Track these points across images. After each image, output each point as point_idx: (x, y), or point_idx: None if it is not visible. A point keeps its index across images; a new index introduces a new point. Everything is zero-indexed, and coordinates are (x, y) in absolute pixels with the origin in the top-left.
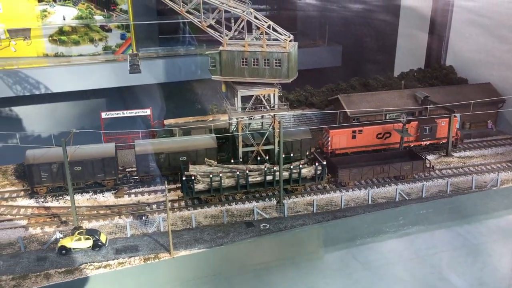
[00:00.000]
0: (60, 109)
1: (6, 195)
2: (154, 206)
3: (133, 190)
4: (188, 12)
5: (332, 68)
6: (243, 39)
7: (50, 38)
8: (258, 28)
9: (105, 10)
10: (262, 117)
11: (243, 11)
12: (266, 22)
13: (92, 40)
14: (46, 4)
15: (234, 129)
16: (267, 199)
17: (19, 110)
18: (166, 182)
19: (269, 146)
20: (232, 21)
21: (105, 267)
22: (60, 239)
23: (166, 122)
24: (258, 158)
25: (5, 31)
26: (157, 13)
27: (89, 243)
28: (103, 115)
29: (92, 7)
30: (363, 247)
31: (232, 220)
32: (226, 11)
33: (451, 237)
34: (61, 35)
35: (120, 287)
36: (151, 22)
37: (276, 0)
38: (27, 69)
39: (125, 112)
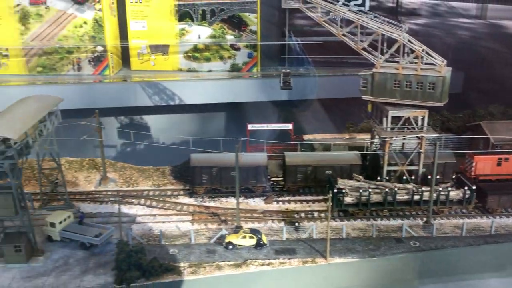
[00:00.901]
0: (183, 119)
1: (169, 192)
2: (303, 214)
3: (280, 198)
4: (343, 35)
5: (451, 94)
6: (395, 61)
7: (185, 55)
8: (412, 51)
9: (236, 30)
10: (404, 138)
11: (400, 35)
12: (421, 46)
13: (221, 58)
14: (185, 24)
15: (375, 148)
16: (411, 217)
17: (147, 119)
18: (330, 192)
19: (413, 166)
20: (385, 44)
21: (268, 265)
22: (226, 236)
23: (305, 137)
24: (404, 177)
25: (147, 47)
26: (281, 34)
27: (253, 241)
28: (249, 127)
29: (225, 27)
30: (462, 283)
31: (380, 235)
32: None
33: None
34: (195, 52)
35: (282, 285)
36: (281, 43)
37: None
38: (163, 81)
39: (268, 125)
